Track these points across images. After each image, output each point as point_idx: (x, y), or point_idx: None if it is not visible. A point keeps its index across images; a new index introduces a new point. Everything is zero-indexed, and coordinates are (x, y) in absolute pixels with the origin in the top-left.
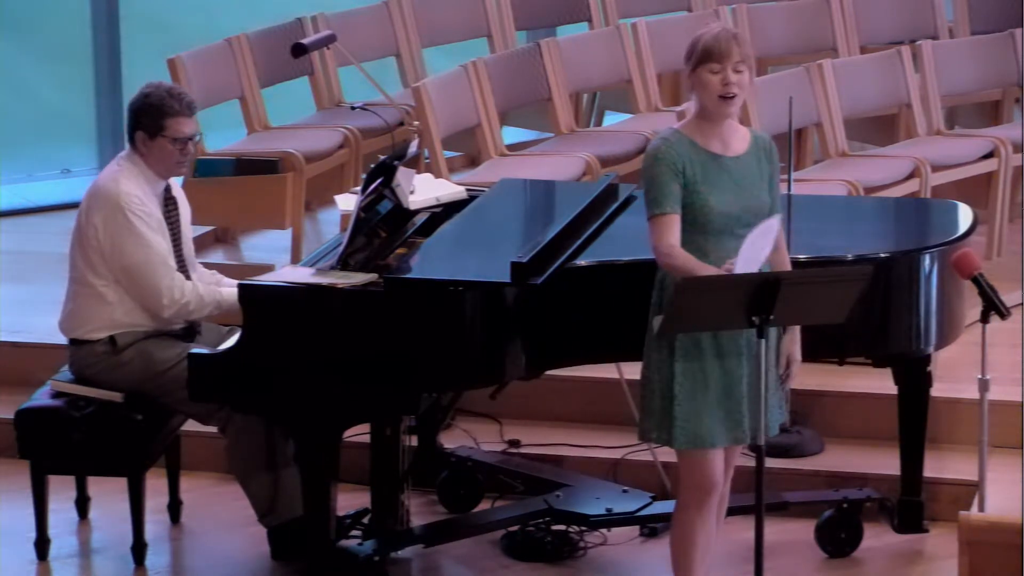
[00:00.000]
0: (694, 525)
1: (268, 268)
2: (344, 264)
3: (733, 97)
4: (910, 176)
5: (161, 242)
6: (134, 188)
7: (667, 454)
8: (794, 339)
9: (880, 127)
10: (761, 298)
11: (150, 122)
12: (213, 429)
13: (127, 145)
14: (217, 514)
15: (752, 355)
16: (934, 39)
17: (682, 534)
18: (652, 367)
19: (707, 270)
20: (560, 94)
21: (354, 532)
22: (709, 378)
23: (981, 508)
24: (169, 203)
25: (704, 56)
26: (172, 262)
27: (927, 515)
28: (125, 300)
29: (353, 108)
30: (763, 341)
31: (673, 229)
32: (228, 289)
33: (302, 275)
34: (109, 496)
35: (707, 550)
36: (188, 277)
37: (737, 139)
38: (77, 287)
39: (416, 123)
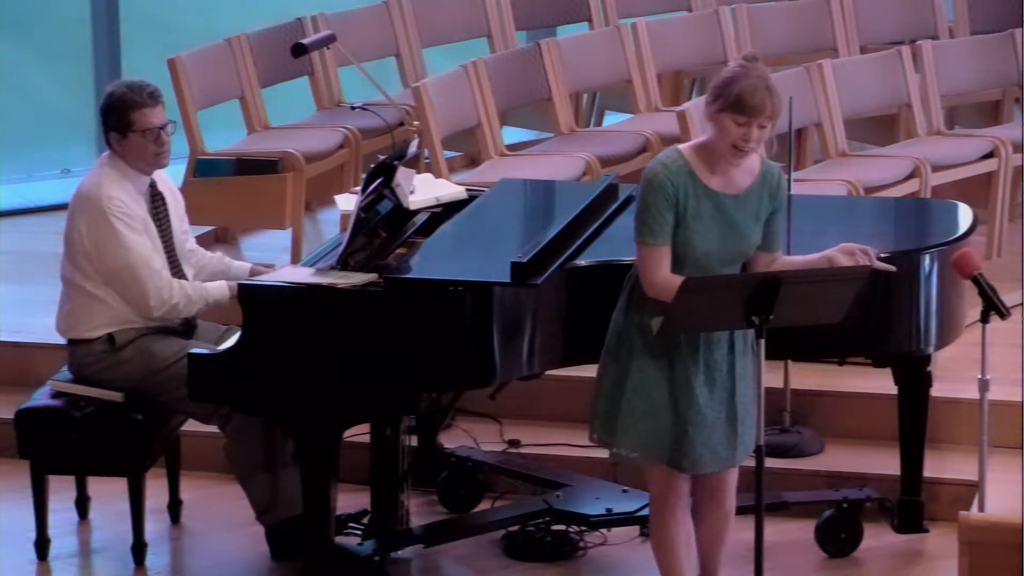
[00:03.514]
0: (668, 527)
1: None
2: (344, 264)
3: (747, 152)
4: (910, 176)
5: (144, 243)
6: (116, 191)
7: None
8: None
9: (880, 127)
10: (761, 298)
11: (117, 120)
12: (213, 429)
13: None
14: (217, 514)
15: (722, 383)
16: (934, 39)
17: (661, 538)
18: (607, 374)
19: None
20: (560, 94)
21: (352, 528)
22: (660, 397)
23: (981, 508)
24: (156, 199)
25: (736, 105)
26: (157, 263)
27: (927, 515)
28: (118, 298)
29: (353, 108)
30: (762, 348)
31: (666, 261)
32: (215, 284)
33: (302, 275)
34: (109, 496)
35: (689, 544)
36: (180, 270)
37: (742, 174)
38: (70, 289)
39: (416, 123)
